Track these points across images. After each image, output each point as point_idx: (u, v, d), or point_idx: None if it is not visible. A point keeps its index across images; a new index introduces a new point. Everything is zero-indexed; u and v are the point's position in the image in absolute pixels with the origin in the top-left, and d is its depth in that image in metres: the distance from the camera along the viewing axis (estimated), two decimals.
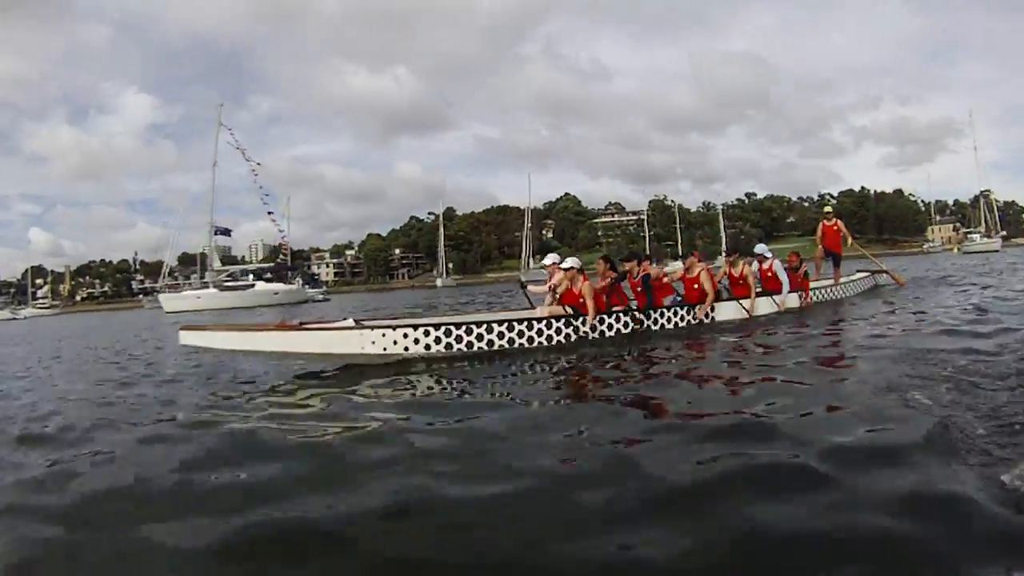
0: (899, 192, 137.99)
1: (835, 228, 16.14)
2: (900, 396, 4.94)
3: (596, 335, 10.06)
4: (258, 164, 64.43)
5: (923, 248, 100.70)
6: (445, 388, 7.15)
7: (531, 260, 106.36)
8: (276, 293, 58.33)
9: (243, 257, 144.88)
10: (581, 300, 9.98)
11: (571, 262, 10.26)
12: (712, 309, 11.05)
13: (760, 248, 12.95)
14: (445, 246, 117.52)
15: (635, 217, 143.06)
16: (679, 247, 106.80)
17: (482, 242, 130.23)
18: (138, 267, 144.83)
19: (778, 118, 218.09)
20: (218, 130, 61.36)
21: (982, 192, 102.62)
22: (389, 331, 9.35)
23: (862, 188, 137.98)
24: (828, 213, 16.72)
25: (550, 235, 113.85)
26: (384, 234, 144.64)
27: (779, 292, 12.11)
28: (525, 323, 9.80)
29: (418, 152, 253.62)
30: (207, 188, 62.21)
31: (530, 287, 11.45)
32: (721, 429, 4.43)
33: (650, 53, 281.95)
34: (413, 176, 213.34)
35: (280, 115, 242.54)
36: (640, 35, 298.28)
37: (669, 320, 10.73)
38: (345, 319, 10.01)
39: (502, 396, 6.50)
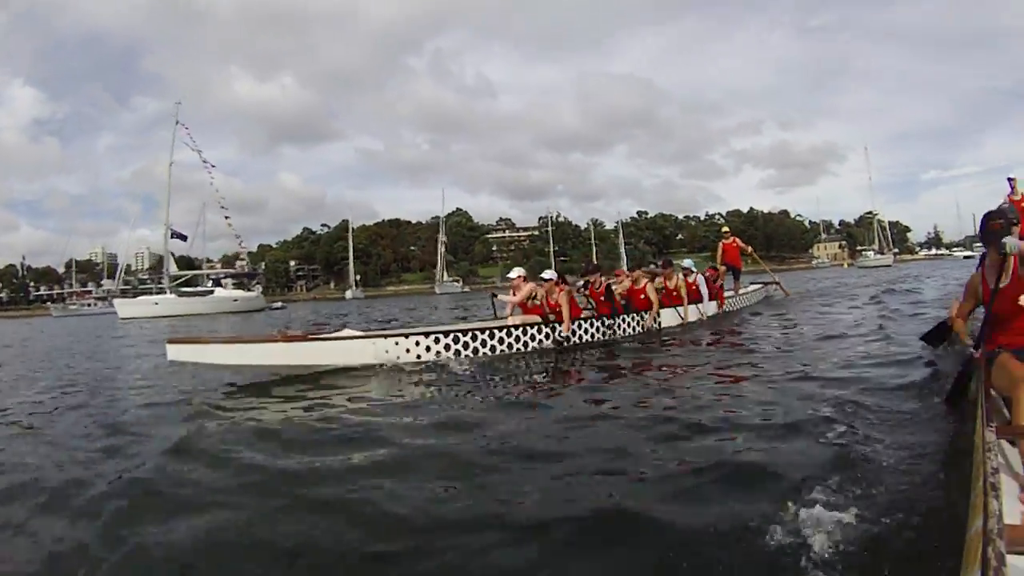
0: (784, 212, 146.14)
1: (734, 245, 18.07)
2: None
3: (575, 339, 10.82)
4: (213, 167, 62.87)
5: (812, 264, 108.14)
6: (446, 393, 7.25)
7: (445, 273, 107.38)
8: (235, 300, 56.40)
9: (129, 265, 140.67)
10: (558, 309, 10.73)
11: (549, 274, 11.17)
12: (658, 315, 12.47)
13: (687, 263, 14.56)
14: (345, 259, 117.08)
15: (527, 233, 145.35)
16: (565, 264, 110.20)
17: (380, 255, 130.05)
18: (25, 272, 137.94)
19: (661, 139, 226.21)
20: (175, 128, 58.94)
21: (869, 213, 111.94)
22: (402, 339, 9.42)
23: (750, 208, 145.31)
24: (726, 232, 18.67)
25: (442, 249, 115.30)
26: (273, 244, 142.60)
27: (702, 302, 13.78)
28: (520, 329, 10.31)
29: (300, 163, 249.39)
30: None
31: (500, 296, 11.77)
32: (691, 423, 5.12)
33: (538, 72, 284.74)
34: (294, 187, 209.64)
35: (166, 118, 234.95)
36: (529, 54, 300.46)
37: (630, 326, 11.93)
38: (338, 330, 9.94)
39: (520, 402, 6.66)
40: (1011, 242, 4.07)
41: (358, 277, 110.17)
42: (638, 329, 12.12)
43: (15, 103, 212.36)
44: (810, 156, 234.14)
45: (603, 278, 12.30)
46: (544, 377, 8.37)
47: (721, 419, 5.15)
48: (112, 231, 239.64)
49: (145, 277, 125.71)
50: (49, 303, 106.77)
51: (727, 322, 13.69)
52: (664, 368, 8.22)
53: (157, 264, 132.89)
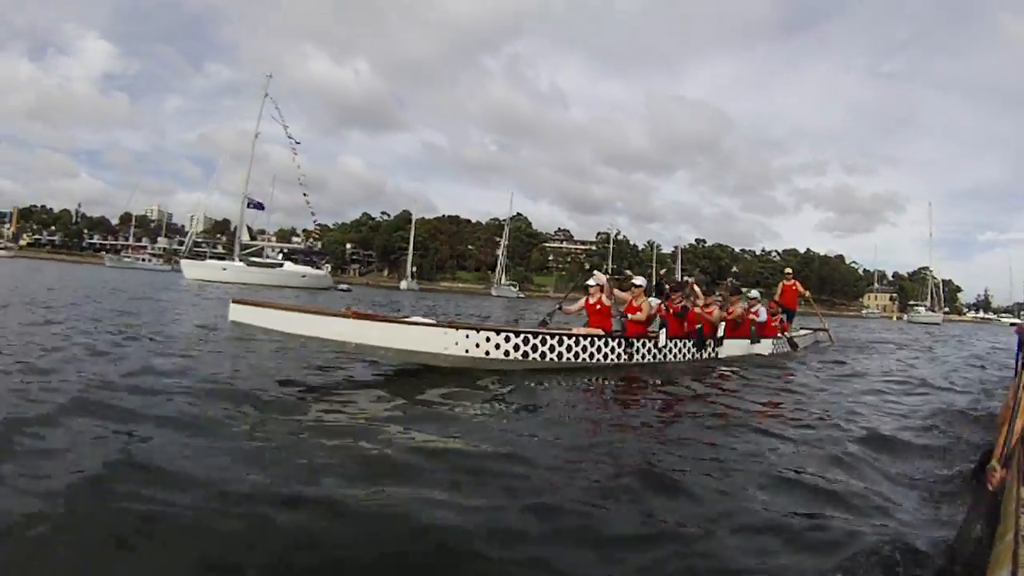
0: (840, 257, 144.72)
1: (793, 288, 18.35)
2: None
3: (638, 357, 10.88)
4: (298, 143, 63.26)
5: (861, 313, 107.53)
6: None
7: (503, 276, 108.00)
8: (304, 276, 56.40)
9: (182, 226, 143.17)
10: (635, 313, 11.10)
11: (640, 280, 11.45)
12: (720, 343, 12.87)
13: (754, 294, 15.22)
14: (403, 249, 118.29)
15: (583, 247, 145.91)
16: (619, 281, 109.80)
17: (438, 250, 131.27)
18: (79, 219, 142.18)
19: (724, 168, 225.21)
20: (263, 101, 59.11)
21: (923, 268, 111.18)
22: (473, 333, 9.26)
23: (807, 250, 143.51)
24: (788, 274, 18.83)
25: (503, 252, 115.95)
26: (330, 225, 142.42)
27: (761, 337, 14.28)
28: (589, 339, 10.29)
29: (364, 148, 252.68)
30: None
31: (565, 306, 11.67)
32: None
33: (608, 87, 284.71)
34: (355, 171, 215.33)
35: (237, 87, 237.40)
36: (601, 68, 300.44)
37: (690, 350, 12.09)
38: (409, 316, 9.76)
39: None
40: None
41: (415, 269, 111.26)
42: (698, 355, 12.32)
43: (88, 54, 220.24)
44: (870, 204, 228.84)
45: (683, 299, 12.55)
46: (597, 396, 8.43)
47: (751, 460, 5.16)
48: (170, 191, 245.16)
49: (200, 240, 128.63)
50: (104, 252, 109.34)
51: (776, 361, 13.88)
52: (711, 404, 8.08)
53: (212, 228, 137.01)
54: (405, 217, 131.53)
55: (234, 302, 7.96)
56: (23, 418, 4.84)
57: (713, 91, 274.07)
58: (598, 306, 10.95)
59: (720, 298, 13.88)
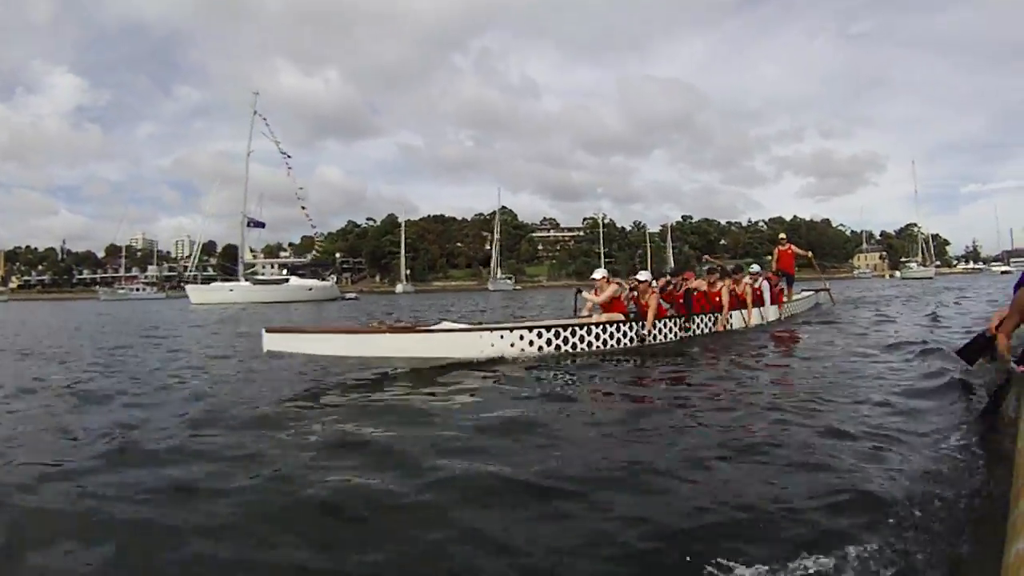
0: (827, 221, 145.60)
1: (788, 252, 18.58)
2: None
3: (652, 339, 11.18)
4: (289, 157, 63.38)
5: (853, 274, 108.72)
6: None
7: (498, 270, 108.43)
8: (310, 289, 56.62)
9: (168, 252, 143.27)
10: (646, 309, 11.26)
11: (644, 275, 11.76)
12: (730, 317, 13.25)
13: (755, 268, 15.62)
14: (394, 253, 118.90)
15: (571, 234, 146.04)
16: (611, 265, 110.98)
17: (427, 250, 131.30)
18: (65, 256, 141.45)
19: (702, 144, 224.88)
20: (252, 119, 59.76)
21: (910, 224, 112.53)
22: (507, 333, 9.54)
23: (794, 216, 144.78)
24: (783, 239, 19.12)
25: (496, 247, 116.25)
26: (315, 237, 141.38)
27: (764, 306, 14.80)
28: (615, 326, 10.69)
29: (341, 156, 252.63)
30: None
31: (584, 294, 11.81)
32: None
33: (581, 73, 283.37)
34: (334, 181, 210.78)
35: (207, 108, 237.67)
36: (572, 55, 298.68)
37: (703, 326, 12.57)
38: (439, 322, 10.07)
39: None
40: None
41: (408, 272, 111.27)
42: (710, 329, 12.77)
43: (57, 90, 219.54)
44: (850, 166, 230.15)
45: (685, 282, 13.01)
46: (624, 378, 8.46)
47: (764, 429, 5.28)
48: (150, 218, 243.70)
49: (187, 265, 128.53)
50: (98, 287, 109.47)
51: (782, 327, 14.44)
52: (723, 377, 8.18)
53: (198, 251, 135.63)
54: (392, 221, 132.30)
55: (267, 331, 7.86)
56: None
57: (685, 69, 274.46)
58: (610, 300, 11.28)
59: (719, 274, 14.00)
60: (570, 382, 8.05)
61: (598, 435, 5.31)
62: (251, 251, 69.00)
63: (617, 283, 11.58)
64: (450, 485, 4.04)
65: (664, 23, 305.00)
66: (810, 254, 19.96)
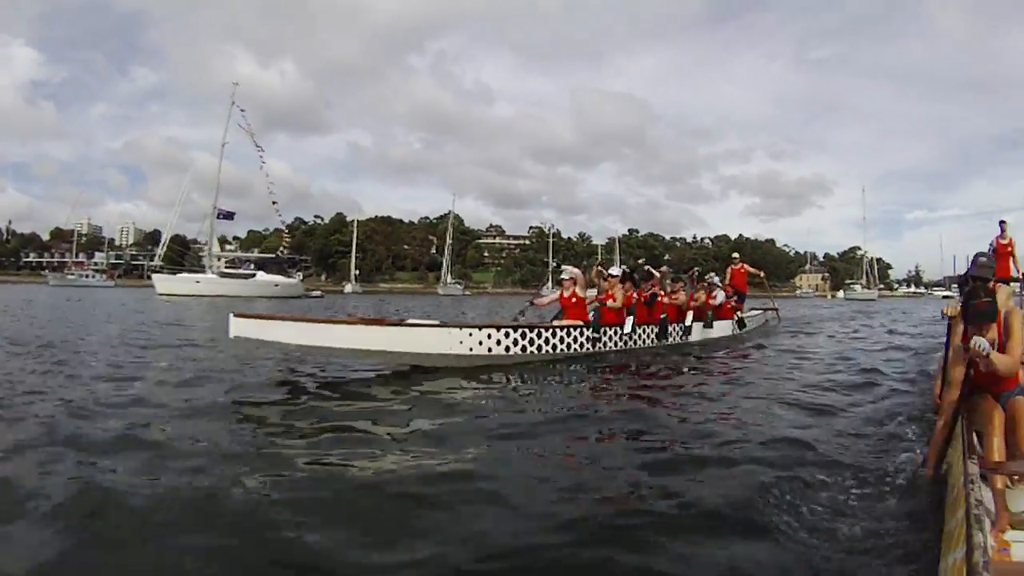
0: (771, 241, 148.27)
1: (741, 270, 19.23)
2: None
3: (629, 343, 11.84)
4: (263, 150, 62.78)
5: (795, 293, 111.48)
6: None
7: (449, 275, 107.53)
8: (276, 285, 55.87)
9: (112, 240, 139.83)
10: (608, 300, 11.72)
11: (616, 270, 12.19)
12: (690, 328, 13.80)
13: (716, 279, 16.11)
14: (342, 252, 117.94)
15: (517, 242, 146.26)
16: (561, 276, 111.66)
17: (375, 252, 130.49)
18: (11, 236, 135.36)
19: (650, 159, 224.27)
20: (230, 109, 58.64)
21: (854, 248, 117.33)
22: (476, 331, 9.62)
23: (739, 235, 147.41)
24: (736, 258, 19.75)
25: (448, 251, 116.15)
26: (261, 231, 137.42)
27: (723, 319, 15.40)
28: (578, 330, 11.00)
29: (289, 151, 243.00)
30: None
31: (536, 300, 12.43)
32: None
33: (533, 82, 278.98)
34: (281, 175, 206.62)
35: (163, 92, 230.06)
36: (529, 63, 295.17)
37: (675, 334, 13.08)
38: (402, 318, 9.89)
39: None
40: (978, 342, 3.94)
41: (357, 272, 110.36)
42: (670, 340, 13.17)
43: (13, 63, 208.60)
44: (797, 188, 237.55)
45: (653, 288, 13.33)
46: (579, 384, 8.83)
47: (699, 443, 5.43)
48: (96, 202, 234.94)
49: (135, 252, 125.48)
50: (47, 271, 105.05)
51: (736, 340, 15.22)
52: (677, 389, 8.54)
53: (143, 240, 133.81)
54: (340, 220, 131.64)
55: (235, 316, 7.83)
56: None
57: (639, 83, 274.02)
58: (573, 299, 11.50)
59: (684, 284, 14.84)
60: (529, 389, 8.39)
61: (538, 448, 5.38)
62: (195, 242, 67.73)
63: (583, 288, 11.73)
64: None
65: (621, 36, 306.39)
66: (762, 273, 20.66)
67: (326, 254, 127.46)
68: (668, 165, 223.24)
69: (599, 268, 12.99)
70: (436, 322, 9.82)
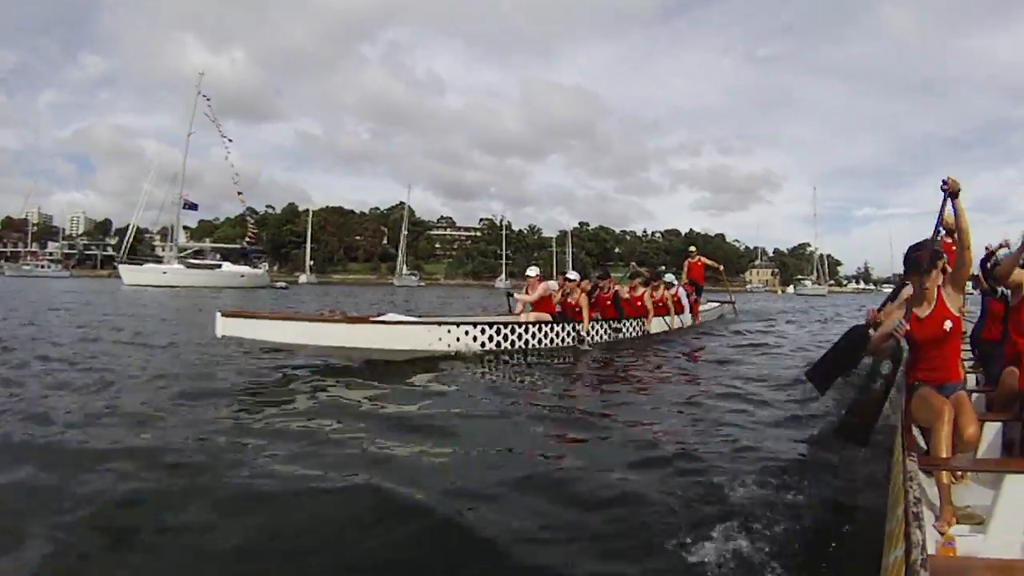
0: (721, 236, 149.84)
1: (699, 264, 19.83)
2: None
3: (590, 339, 12.07)
4: (230, 141, 62.71)
5: (746, 288, 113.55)
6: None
7: (404, 266, 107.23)
8: (243, 276, 56.31)
9: (63, 229, 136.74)
10: (577, 308, 12.00)
11: (574, 275, 12.49)
12: (649, 323, 14.27)
13: (669, 277, 16.74)
14: (294, 242, 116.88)
15: (468, 233, 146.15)
16: (511, 267, 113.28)
17: (328, 242, 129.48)
18: None
19: (599, 152, 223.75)
20: (196, 99, 58.88)
21: (803, 245, 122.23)
22: (454, 327, 10.04)
23: (690, 229, 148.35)
24: (693, 252, 20.34)
25: (386, 241, 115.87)
26: (212, 220, 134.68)
27: (682, 313, 16.01)
28: (549, 326, 11.42)
29: (238, 139, 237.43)
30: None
31: (516, 295, 12.48)
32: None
33: (484, 74, 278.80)
34: (227, 164, 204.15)
35: (113, 79, 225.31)
36: (480, 54, 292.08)
37: (630, 330, 13.51)
38: (382, 313, 10.24)
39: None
40: (896, 323, 4.18)
41: (312, 263, 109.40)
42: (635, 333, 13.73)
43: None
44: (746, 182, 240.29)
45: (614, 286, 13.82)
46: (556, 377, 9.31)
47: (648, 441, 5.64)
48: (45, 191, 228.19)
49: (87, 242, 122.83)
50: (2, 261, 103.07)
51: (694, 333, 15.90)
52: (639, 378, 9.31)
53: (93, 230, 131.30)
54: (292, 210, 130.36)
55: (222, 315, 7.89)
56: None
57: (590, 75, 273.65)
58: (539, 299, 11.94)
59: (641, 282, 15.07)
60: (504, 382, 8.85)
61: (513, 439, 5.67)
62: (147, 232, 66.71)
63: (545, 284, 12.15)
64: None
65: (574, 29, 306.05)
66: (721, 267, 21.34)
67: (278, 244, 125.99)
68: (617, 158, 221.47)
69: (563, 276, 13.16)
70: (415, 319, 10.25)
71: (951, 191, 4.16)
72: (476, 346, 10.28)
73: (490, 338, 10.49)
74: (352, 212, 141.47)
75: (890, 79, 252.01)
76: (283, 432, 5.55)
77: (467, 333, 10.21)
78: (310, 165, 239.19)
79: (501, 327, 10.71)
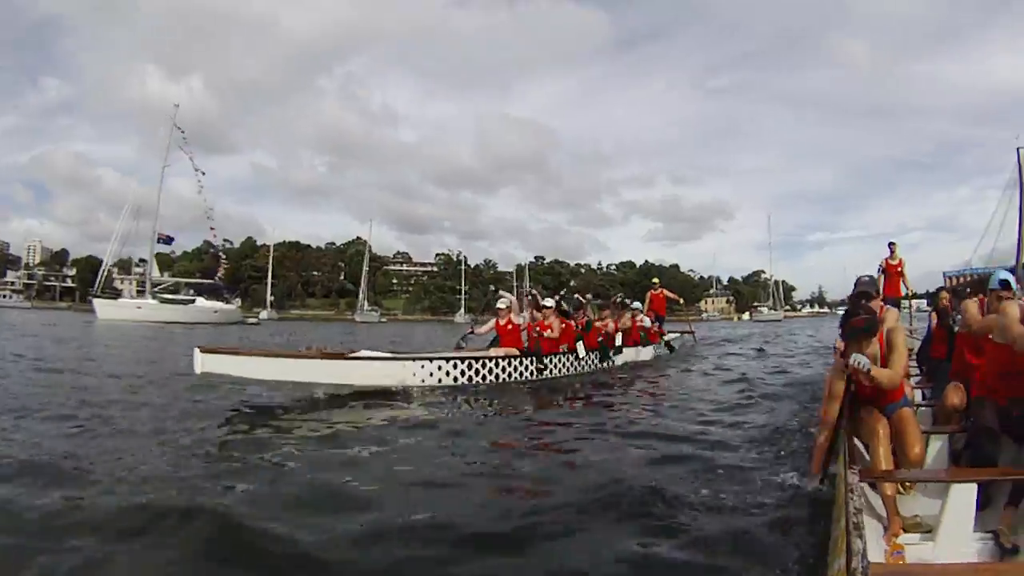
0: (675, 266, 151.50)
1: (661, 296, 20.31)
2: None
3: (554, 370, 12.37)
4: (203, 174, 61.93)
5: (702, 317, 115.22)
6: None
7: (365, 301, 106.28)
8: (216, 311, 55.79)
9: (20, 259, 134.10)
10: (546, 331, 12.26)
11: (550, 302, 12.84)
12: (620, 351, 14.73)
13: (636, 305, 17.21)
14: (254, 277, 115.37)
15: (424, 269, 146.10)
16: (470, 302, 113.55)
17: (286, 277, 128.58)
18: None
19: (552, 184, 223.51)
20: (171, 131, 58.59)
21: (757, 272, 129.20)
22: (427, 363, 10.41)
23: (645, 261, 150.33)
24: (655, 283, 20.87)
25: (342, 276, 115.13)
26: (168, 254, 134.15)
27: (648, 343, 16.57)
28: (518, 359, 11.71)
29: (191, 171, 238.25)
30: None
31: (477, 328, 12.89)
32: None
33: (437, 107, 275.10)
34: (183, 195, 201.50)
35: (73, 105, 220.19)
36: (435, 87, 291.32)
37: (594, 361, 13.82)
38: (353, 351, 10.50)
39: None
40: (857, 359, 4.17)
41: (272, 298, 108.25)
42: (601, 364, 14.13)
43: None
44: (698, 212, 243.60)
45: (587, 316, 14.22)
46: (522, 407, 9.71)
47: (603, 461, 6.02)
48: (2, 216, 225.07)
49: (45, 272, 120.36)
50: None
51: (658, 362, 16.52)
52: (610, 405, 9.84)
53: (50, 260, 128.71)
54: (251, 244, 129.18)
55: (201, 351, 7.96)
56: None
57: (542, 109, 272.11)
58: (508, 326, 12.31)
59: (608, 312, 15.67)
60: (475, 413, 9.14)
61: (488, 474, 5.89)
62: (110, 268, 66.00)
63: (518, 315, 12.55)
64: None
65: (526, 63, 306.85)
66: (682, 300, 21.90)
67: (238, 279, 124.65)
68: (570, 190, 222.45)
69: (531, 295, 13.86)
70: (389, 355, 10.64)
71: (853, 373, 4.23)
72: (449, 380, 10.54)
73: (462, 372, 10.75)
74: (309, 247, 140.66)
75: (840, 105, 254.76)
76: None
77: (440, 368, 10.49)
78: (264, 198, 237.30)
79: (472, 362, 10.99)
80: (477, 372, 11.01)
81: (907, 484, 4.11)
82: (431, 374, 10.34)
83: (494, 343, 12.39)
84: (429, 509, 4.43)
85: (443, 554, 3.76)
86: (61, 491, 4.65)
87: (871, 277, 5.77)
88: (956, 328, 5.70)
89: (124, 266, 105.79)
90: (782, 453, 6.08)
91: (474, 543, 3.87)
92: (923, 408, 5.75)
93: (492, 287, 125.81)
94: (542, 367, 12.15)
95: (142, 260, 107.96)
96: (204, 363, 7.92)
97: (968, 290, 5.02)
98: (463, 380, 10.76)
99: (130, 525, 4.03)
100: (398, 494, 4.81)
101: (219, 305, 58.56)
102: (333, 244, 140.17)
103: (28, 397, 8.93)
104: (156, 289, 58.67)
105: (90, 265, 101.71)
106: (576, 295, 14.90)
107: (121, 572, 3.53)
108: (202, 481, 5.06)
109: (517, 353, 11.95)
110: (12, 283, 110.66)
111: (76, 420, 7.36)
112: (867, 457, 4.27)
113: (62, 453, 5.81)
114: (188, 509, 4.25)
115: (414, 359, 10.52)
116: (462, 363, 10.84)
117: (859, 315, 4.37)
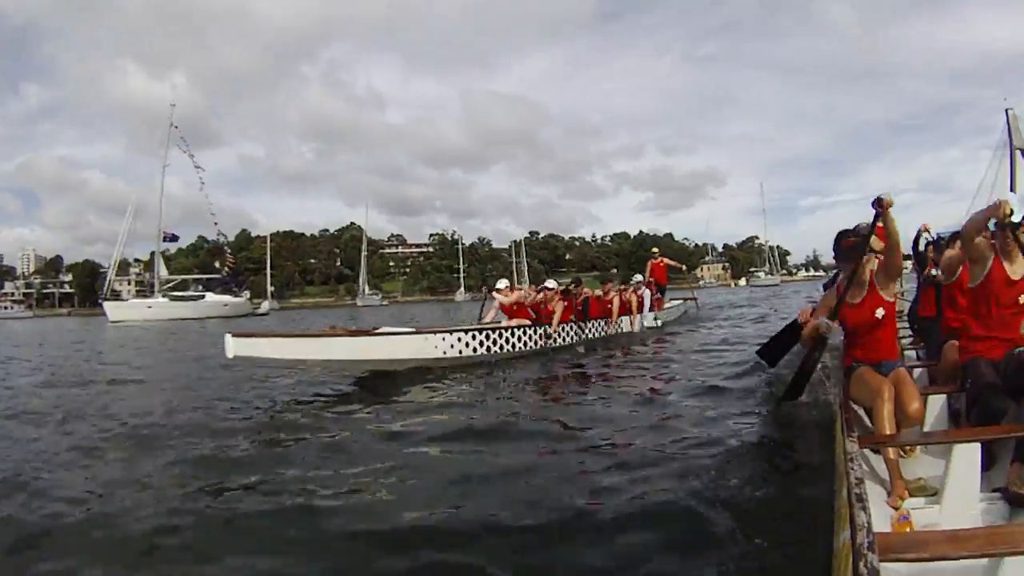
0: (670, 235, 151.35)
1: (661, 265, 20.76)
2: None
3: (560, 340, 13.08)
4: (203, 170, 63.15)
5: (699, 284, 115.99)
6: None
7: (366, 286, 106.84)
8: (226, 305, 56.86)
9: (16, 268, 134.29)
10: (551, 313, 12.91)
11: (552, 284, 13.64)
12: (619, 323, 15.61)
13: (638, 277, 18.03)
14: (251, 269, 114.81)
15: (419, 250, 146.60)
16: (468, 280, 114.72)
17: (284, 267, 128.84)
18: None
19: (542, 158, 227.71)
20: (169, 132, 58.97)
21: (752, 238, 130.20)
22: (448, 335, 10.74)
23: (639, 231, 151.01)
24: (655, 253, 21.40)
25: (338, 263, 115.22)
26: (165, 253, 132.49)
27: (645, 312, 17.21)
28: (533, 329, 12.40)
29: (179, 166, 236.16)
30: None
31: (495, 295, 13.16)
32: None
33: (423, 86, 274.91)
34: (173, 191, 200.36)
35: (55, 109, 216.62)
36: (420, 67, 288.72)
37: (597, 331, 14.71)
38: (376, 328, 10.73)
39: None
40: (823, 321, 4.32)
41: (272, 289, 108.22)
42: (602, 333, 14.96)
43: None
44: (689, 180, 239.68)
45: (584, 292, 15.04)
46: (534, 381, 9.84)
47: (592, 433, 6.01)
48: None
49: (46, 281, 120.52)
50: None
51: (659, 331, 16.98)
52: (609, 378, 9.87)
53: (44, 267, 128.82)
54: (246, 237, 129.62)
55: (232, 336, 8.11)
56: None
57: (530, 83, 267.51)
58: (515, 306, 12.93)
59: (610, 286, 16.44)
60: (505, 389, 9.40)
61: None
62: (102, 268, 66.34)
63: (521, 291, 13.45)
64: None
65: (511, 38, 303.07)
66: (684, 267, 22.39)
67: (235, 271, 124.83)
68: (560, 164, 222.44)
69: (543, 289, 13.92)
70: (411, 329, 11.07)
71: (885, 207, 4.12)
72: (469, 351, 11.04)
73: (480, 343, 11.28)
74: (304, 235, 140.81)
75: (831, 70, 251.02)
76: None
77: (460, 339, 10.96)
78: (254, 189, 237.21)
79: (489, 332, 11.60)
80: (495, 342, 11.57)
81: (908, 447, 4.00)
82: (452, 346, 10.74)
83: (500, 317, 13.11)
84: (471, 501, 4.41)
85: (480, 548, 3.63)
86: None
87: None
88: (938, 279, 5.52)
89: (121, 267, 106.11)
90: (782, 420, 5.98)
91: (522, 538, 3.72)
92: (918, 369, 5.62)
93: (488, 265, 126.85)
94: (549, 336, 12.80)
95: (137, 260, 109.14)
96: (236, 347, 8.10)
97: (950, 241, 4.90)
98: (482, 351, 11.25)
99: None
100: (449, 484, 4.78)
101: (229, 299, 59.58)
102: (327, 231, 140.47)
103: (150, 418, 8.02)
104: (165, 287, 59.37)
105: (86, 269, 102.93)
106: (573, 283, 15.29)
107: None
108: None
109: (528, 323, 12.57)
110: (11, 294, 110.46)
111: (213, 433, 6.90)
112: (866, 422, 4.17)
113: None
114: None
115: (436, 332, 10.86)
116: (480, 334, 11.34)
117: (849, 237, 4.49)
